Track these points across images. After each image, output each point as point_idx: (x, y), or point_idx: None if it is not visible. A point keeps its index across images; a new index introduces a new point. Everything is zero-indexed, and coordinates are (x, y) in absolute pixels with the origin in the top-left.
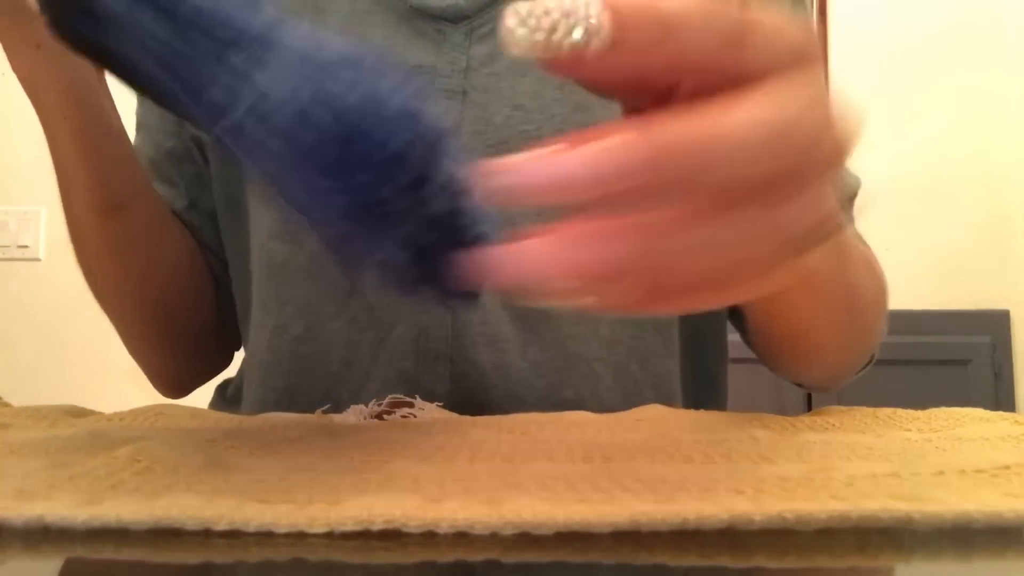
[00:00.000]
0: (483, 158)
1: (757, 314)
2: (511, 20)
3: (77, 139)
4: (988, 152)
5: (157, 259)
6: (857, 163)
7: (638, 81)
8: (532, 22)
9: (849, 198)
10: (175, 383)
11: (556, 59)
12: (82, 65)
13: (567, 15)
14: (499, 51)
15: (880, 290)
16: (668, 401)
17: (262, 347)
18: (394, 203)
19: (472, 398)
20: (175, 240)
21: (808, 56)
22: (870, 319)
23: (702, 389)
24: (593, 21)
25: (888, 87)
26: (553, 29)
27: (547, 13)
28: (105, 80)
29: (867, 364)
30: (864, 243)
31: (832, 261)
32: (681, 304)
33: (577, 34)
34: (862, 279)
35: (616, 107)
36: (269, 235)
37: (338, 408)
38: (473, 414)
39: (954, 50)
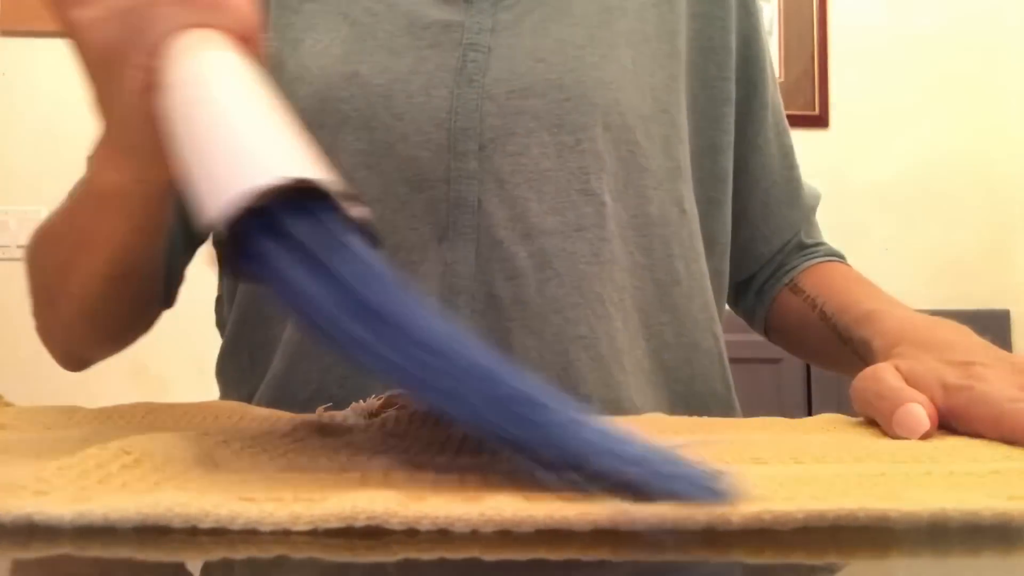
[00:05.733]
0: (505, 102)
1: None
2: None
3: (134, 234)
4: (989, 153)
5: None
6: (860, 163)
7: None
8: None
9: (812, 208)
10: (88, 361)
11: None
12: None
13: None
14: (523, 17)
15: None
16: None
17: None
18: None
19: (491, 332)
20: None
21: None
22: None
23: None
24: None
25: (888, 87)
26: None
27: None
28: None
29: None
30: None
31: None
32: None
33: None
34: None
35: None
36: None
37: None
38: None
39: (955, 50)
